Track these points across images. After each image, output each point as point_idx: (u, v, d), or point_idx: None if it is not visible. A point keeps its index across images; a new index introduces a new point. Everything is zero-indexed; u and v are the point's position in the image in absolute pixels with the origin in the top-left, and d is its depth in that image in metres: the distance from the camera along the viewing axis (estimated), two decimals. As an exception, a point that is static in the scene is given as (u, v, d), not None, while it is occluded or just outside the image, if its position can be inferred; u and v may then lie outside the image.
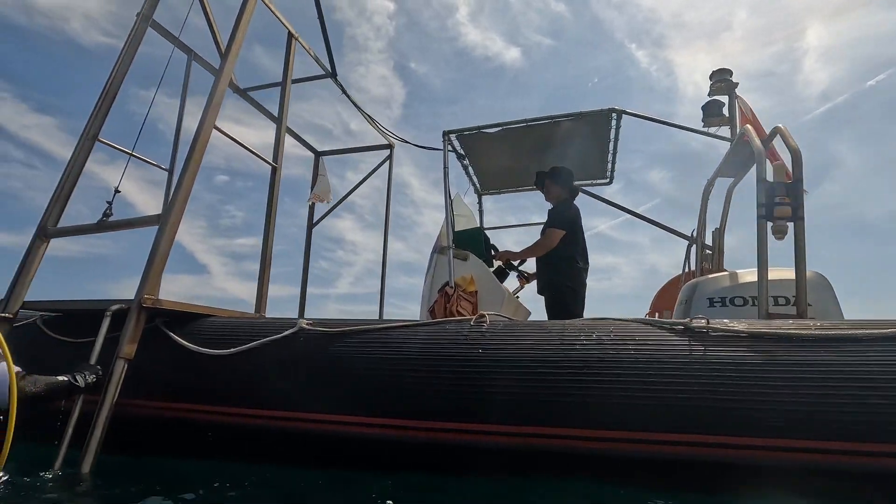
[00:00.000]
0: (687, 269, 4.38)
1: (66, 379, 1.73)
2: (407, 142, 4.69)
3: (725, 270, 3.48)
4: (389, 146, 5.40)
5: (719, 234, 3.81)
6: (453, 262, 3.59)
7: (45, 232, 2.66)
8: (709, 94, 4.29)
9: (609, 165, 4.53)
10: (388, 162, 5.41)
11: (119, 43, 3.30)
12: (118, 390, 2.22)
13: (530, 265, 4.18)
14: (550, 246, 3.46)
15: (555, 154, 4.22)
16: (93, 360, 2.21)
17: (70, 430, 2.09)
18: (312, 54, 4.04)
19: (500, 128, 3.77)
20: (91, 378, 1.93)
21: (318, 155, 5.54)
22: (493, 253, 3.98)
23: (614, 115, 3.79)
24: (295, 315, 2.94)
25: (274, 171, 3.38)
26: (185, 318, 2.64)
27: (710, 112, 4.27)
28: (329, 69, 4.23)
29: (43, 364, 1.97)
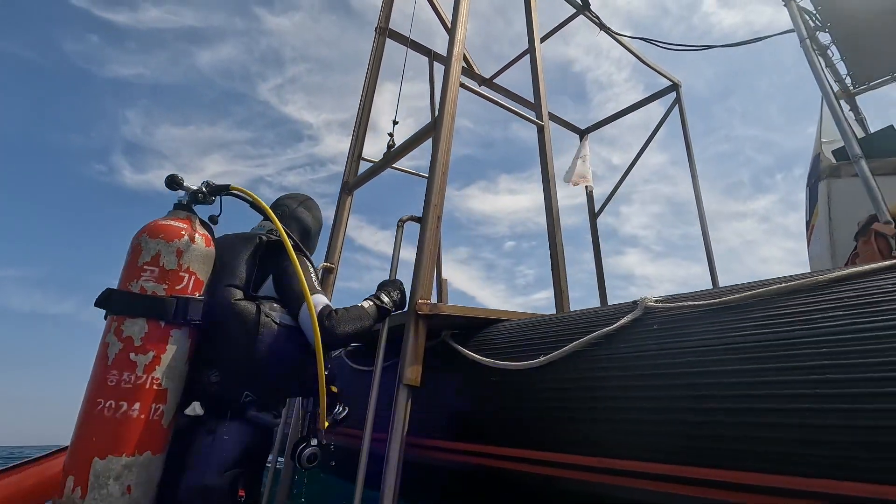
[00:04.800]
0: None
1: (371, 303, 1.37)
2: (708, 46, 3.25)
3: None
4: (674, 87, 4.05)
5: None
6: (872, 180, 2.00)
7: (347, 187, 3.01)
8: None
9: None
10: (675, 107, 4.05)
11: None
12: (405, 428, 1.64)
13: None
14: None
15: None
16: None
17: (361, 475, 1.59)
18: (555, -12, 3.23)
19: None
20: (396, 295, 1.54)
21: (584, 133, 4.63)
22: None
23: None
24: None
25: (541, 130, 2.58)
26: (472, 329, 1.98)
27: None
28: (580, 1, 3.32)
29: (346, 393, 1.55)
